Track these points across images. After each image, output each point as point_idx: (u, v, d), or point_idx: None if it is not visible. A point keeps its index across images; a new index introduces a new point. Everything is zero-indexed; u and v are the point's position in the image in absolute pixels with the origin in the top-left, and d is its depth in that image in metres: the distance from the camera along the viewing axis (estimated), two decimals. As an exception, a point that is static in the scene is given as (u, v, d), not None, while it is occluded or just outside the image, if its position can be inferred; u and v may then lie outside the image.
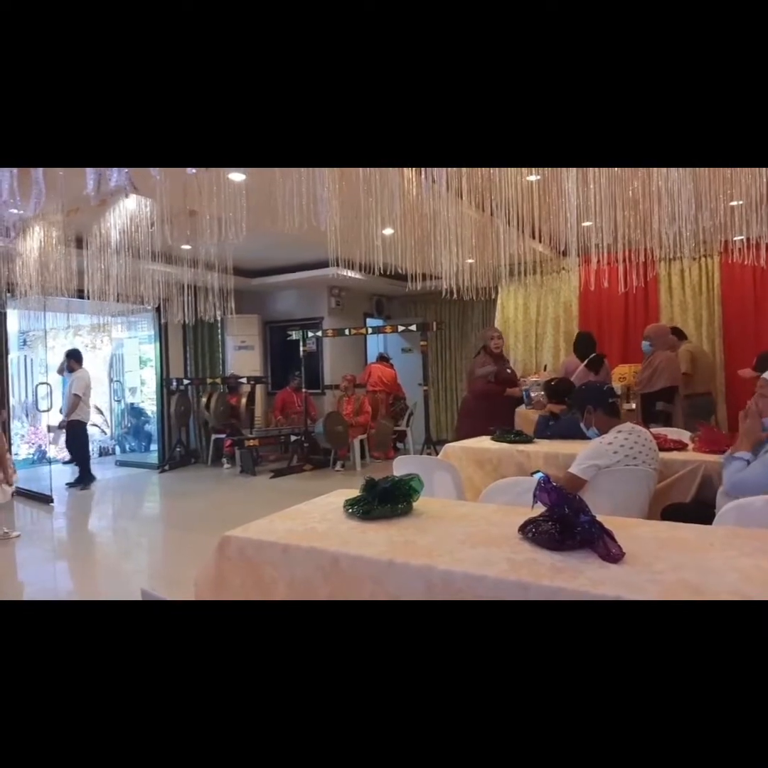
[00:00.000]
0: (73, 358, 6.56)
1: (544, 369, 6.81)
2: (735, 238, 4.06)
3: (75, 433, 6.45)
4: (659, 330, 4.89)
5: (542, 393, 4.62)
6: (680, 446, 3.22)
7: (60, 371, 6.71)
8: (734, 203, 3.51)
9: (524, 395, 5.30)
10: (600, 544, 1.56)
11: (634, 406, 5.27)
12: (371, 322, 8.66)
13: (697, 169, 3.00)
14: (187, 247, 5.34)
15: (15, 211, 4.32)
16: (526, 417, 5.08)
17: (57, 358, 8.66)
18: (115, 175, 1.73)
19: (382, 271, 3.35)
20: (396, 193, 2.73)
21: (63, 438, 7.10)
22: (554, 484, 1.72)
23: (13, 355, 8.65)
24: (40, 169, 2.13)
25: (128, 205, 4.23)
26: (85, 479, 6.43)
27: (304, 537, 1.76)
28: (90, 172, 1.84)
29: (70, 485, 6.40)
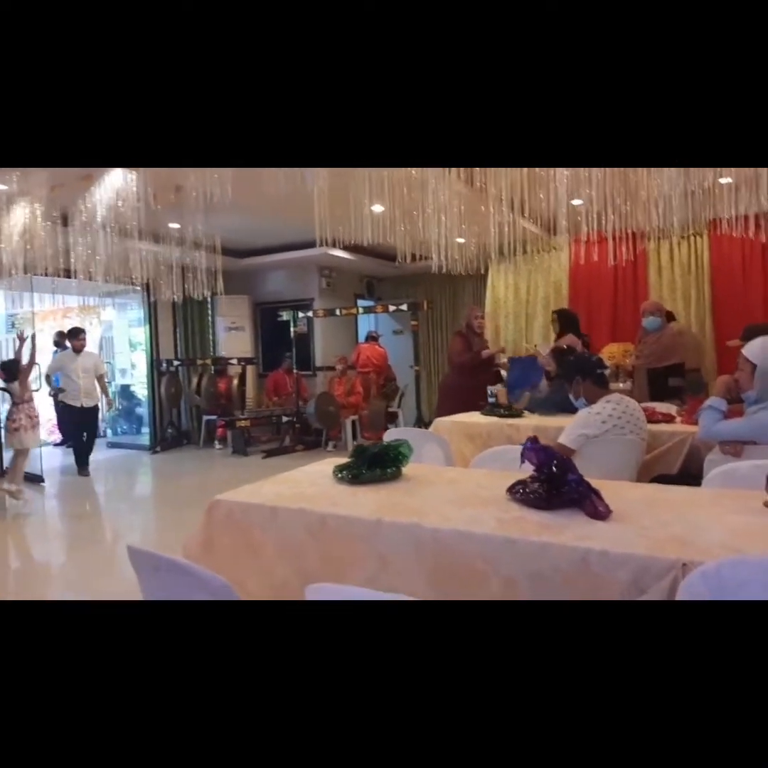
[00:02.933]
0: (76, 336, 6.24)
1: (534, 347, 6.81)
2: (724, 216, 4.07)
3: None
4: (659, 304, 4.92)
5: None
6: (668, 418, 3.24)
7: (79, 349, 6.15)
8: (723, 181, 3.50)
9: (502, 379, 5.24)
10: (587, 502, 1.57)
11: (622, 385, 5.27)
12: (362, 303, 8.63)
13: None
14: (174, 225, 5.29)
15: (2, 186, 4.26)
16: (503, 395, 5.08)
17: (47, 340, 8.60)
18: None
19: (370, 242, 3.32)
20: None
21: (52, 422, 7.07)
22: (542, 444, 1.73)
23: (1, 338, 8.57)
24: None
25: (114, 181, 4.18)
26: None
27: (293, 499, 1.76)
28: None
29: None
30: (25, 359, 4.90)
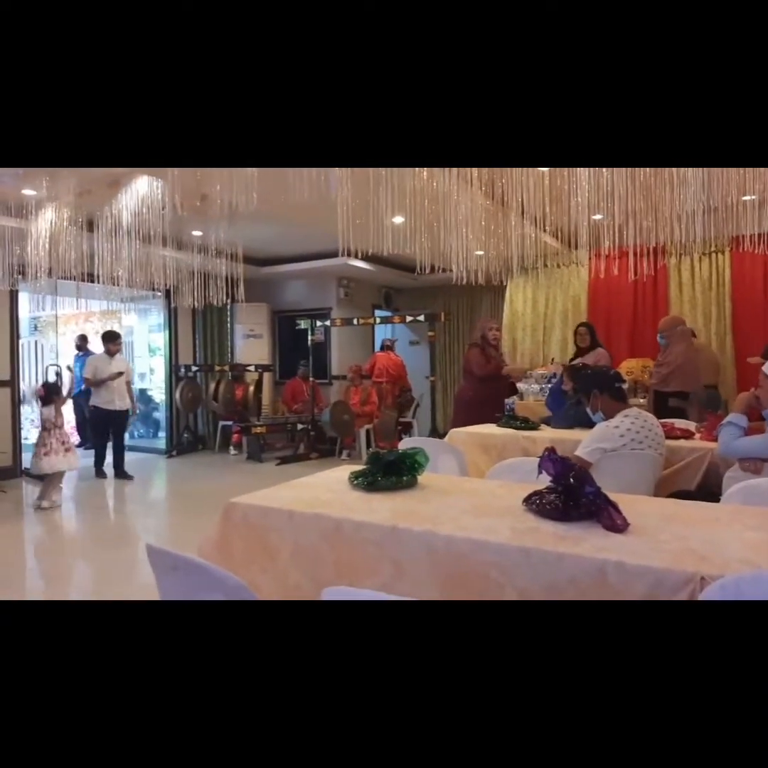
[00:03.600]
0: (112, 340, 6.23)
1: (551, 362, 6.79)
2: (746, 233, 4.04)
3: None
4: (672, 322, 4.83)
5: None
6: (687, 435, 3.21)
7: (113, 353, 6.19)
8: (747, 198, 3.48)
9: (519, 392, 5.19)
10: (605, 514, 1.56)
11: (642, 400, 5.24)
12: (379, 313, 8.66)
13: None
14: (197, 233, 5.36)
15: (31, 192, 4.35)
16: (524, 408, 5.08)
17: (68, 344, 8.73)
18: None
19: (391, 251, 3.34)
20: (405, 172, 2.72)
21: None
22: (560, 455, 1.72)
23: (24, 340, 8.72)
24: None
25: (140, 188, 4.25)
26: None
27: (309, 504, 1.77)
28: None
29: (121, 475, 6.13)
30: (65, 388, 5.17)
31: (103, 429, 6.23)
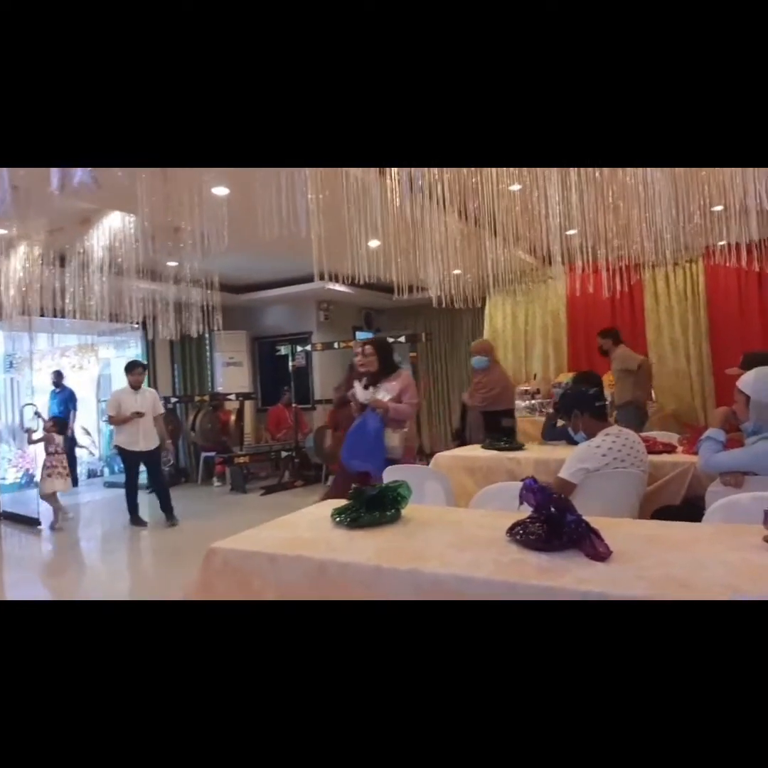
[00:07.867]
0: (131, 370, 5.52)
1: (534, 377, 6.82)
2: (717, 243, 4.11)
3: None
4: (490, 344, 4.96)
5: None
6: (669, 449, 3.23)
7: (136, 386, 5.47)
8: (715, 209, 3.55)
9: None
10: (587, 543, 1.55)
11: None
12: (361, 335, 8.67)
13: (676, 175, 3.04)
14: (172, 263, 5.34)
15: (2, 231, 4.31)
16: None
17: (44, 379, 8.60)
18: (79, 172, 1.73)
19: (367, 280, 3.35)
20: (377, 199, 2.74)
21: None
22: (540, 484, 1.71)
23: None
24: (4, 170, 2.09)
25: (112, 223, 4.24)
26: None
27: (291, 546, 1.74)
28: (54, 171, 1.82)
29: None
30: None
31: (130, 472, 5.50)
